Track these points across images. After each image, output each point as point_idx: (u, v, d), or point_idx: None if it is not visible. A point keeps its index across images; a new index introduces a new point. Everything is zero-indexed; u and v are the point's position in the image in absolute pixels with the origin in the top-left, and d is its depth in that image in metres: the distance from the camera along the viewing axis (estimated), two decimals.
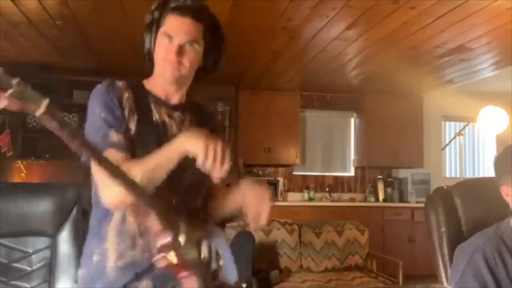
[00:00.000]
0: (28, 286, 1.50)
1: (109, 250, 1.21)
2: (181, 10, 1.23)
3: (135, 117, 1.23)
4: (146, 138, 1.22)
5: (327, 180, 6.21)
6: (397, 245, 5.33)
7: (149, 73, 1.35)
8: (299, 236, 3.75)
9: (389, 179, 6.11)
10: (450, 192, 1.64)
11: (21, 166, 5.06)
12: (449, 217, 1.59)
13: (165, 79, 1.28)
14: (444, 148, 5.95)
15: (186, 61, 1.24)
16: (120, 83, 1.27)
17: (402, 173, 6.04)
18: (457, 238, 1.53)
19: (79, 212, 1.60)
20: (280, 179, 5.89)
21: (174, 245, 1.15)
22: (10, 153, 4.71)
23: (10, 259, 1.50)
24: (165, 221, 1.15)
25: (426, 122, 6.12)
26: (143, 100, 1.27)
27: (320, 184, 6.17)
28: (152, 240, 1.17)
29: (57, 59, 4.65)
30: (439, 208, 1.61)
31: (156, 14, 1.27)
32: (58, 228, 1.55)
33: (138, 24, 4.09)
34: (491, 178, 1.48)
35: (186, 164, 1.15)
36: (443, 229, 1.58)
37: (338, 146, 6.31)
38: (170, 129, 1.28)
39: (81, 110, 5.27)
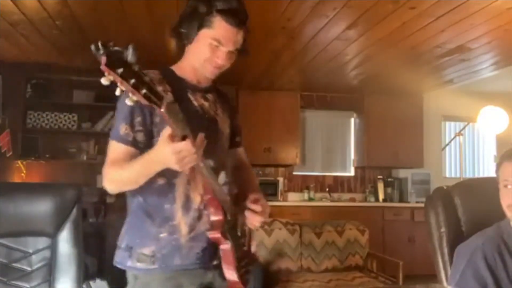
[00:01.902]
0: (28, 286, 1.50)
1: (180, 225, 1.35)
2: (230, 18, 1.31)
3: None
4: (191, 125, 1.29)
5: (327, 180, 6.21)
6: (397, 245, 5.33)
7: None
8: (300, 236, 3.75)
9: (389, 179, 6.10)
10: (450, 192, 1.64)
11: (21, 166, 5.06)
12: (449, 217, 1.59)
13: (200, 74, 1.40)
14: (444, 148, 5.95)
15: (227, 63, 1.38)
16: (153, 75, 1.33)
17: (402, 173, 6.04)
18: (457, 238, 1.53)
19: (79, 212, 1.60)
20: (280, 179, 5.89)
21: (224, 222, 1.33)
22: (10, 153, 4.71)
23: (10, 259, 1.50)
24: (219, 199, 1.32)
25: (426, 122, 6.11)
26: (180, 89, 1.38)
27: (320, 184, 6.17)
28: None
29: (57, 59, 4.65)
30: (439, 208, 1.61)
31: (203, 8, 1.31)
32: (58, 228, 1.55)
33: (138, 24, 4.07)
34: (491, 178, 1.48)
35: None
36: (443, 229, 1.58)
37: (338, 146, 6.30)
38: (208, 111, 1.43)
39: (81, 109, 5.29)
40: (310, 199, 5.92)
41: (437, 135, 6.36)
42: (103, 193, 4.96)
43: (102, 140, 5.34)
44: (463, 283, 1.33)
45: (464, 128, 4.73)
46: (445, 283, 1.53)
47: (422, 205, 1.74)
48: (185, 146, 1.09)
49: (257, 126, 5.67)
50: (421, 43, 3.91)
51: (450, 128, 6.49)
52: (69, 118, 5.21)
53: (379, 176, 6.14)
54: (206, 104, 1.43)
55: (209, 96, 1.46)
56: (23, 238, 1.52)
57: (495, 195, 1.42)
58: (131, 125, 1.29)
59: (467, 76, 5.03)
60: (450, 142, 5.39)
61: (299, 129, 5.94)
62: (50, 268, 1.53)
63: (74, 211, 1.58)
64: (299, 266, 3.69)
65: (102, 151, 5.30)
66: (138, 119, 1.30)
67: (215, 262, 1.40)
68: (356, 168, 6.28)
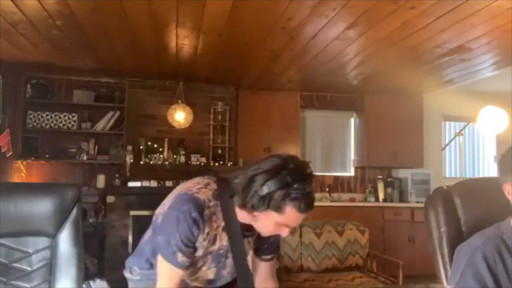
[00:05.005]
0: (28, 286, 1.50)
1: None
2: (303, 207, 1.29)
3: (222, 235, 1.44)
4: (235, 249, 1.45)
5: (327, 180, 6.21)
6: (397, 245, 5.33)
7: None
8: (300, 236, 3.75)
9: (389, 179, 6.10)
10: (450, 192, 1.63)
11: (21, 166, 5.06)
12: (449, 217, 1.59)
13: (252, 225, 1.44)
14: (444, 148, 5.95)
15: None
16: (209, 196, 1.41)
17: (402, 173, 6.04)
18: (457, 238, 1.53)
19: (79, 212, 1.59)
20: None
21: None
22: (10, 153, 4.71)
23: (10, 259, 1.50)
24: None
25: (426, 122, 6.12)
26: (234, 232, 1.43)
27: (320, 184, 6.17)
28: None
29: (57, 59, 4.65)
30: (439, 208, 1.60)
31: (278, 196, 1.28)
32: (58, 228, 1.55)
33: (138, 24, 4.07)
34: (491, 178, 1.48)
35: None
36: (443, 229, 1.58)
37: (338, 146, 6.31)
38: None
39: (81, 109, 5.29)
40: None
41: (437, 135, 6.36)
42: (103, 193, 4.97)
43: (102, 140, 5.35)
44: (463, 283, 1.32)
45: (464, 128, 4.73)
46: (445, 283, 1.53)
47: (422, 205, 1.74)
48: None
49: (257, 126, 5.67)
50: (421, 43, 3.91)
51: (450, 128, 6.49)
52: (69, 118, 5.22)
53: (379, 176, 6.15)
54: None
55: (249, 234, 1.52)
56: (23, 238, 1.52)
57: (495, 195, 1.42)
58: (186, 255, 1.39)
59: (467, 76, 5.03)
60: (450, 142, 5.39)
61: (299, 129, 5.94)
62: (50, 268, 1.53)
63: (74, 211, 1.58)
64: (299, 266, 3.69)
65: (102, 151, 5.31)
66: (190, 250, 1.40)
67: None
68: (356, 168, 6.28)
